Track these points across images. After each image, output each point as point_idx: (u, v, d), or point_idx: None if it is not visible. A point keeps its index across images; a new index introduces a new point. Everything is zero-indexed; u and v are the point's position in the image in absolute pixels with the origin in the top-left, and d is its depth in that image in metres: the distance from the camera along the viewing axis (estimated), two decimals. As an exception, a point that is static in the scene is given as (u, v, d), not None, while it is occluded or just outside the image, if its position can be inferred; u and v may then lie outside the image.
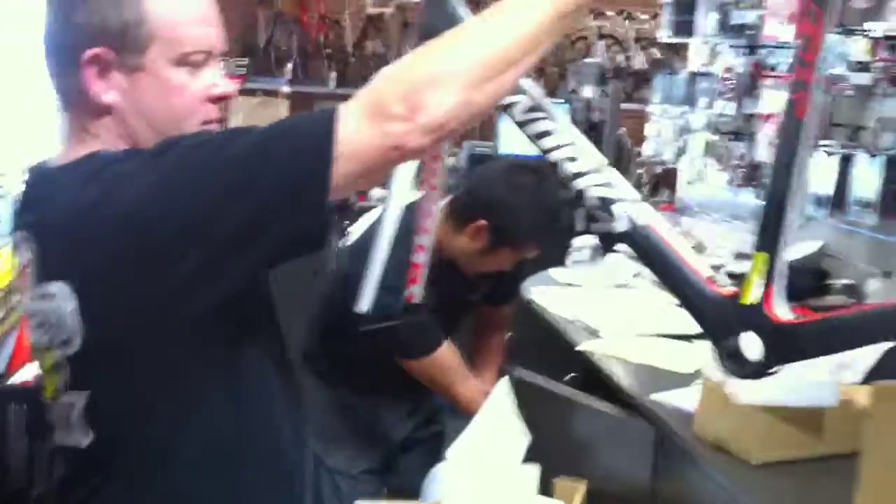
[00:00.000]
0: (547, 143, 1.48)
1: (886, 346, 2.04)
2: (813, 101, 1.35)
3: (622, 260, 3.36)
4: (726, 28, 2.91)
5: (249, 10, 7.33)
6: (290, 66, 6.94)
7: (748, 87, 2.82)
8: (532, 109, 1.48)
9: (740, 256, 2.83)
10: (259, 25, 7.51)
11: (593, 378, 2.48)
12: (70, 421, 1.24)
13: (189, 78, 1.25)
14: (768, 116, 2.67)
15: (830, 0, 1.31)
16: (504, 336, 2.67)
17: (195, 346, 1.21)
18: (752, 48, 2.84)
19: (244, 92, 6.11)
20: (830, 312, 1.54)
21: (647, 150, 3.48)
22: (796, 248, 2.77)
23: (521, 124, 1.47)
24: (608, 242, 3.55)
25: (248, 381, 1.30)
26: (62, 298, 1.18)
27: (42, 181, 1.26)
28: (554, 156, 1.48)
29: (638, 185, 4.39)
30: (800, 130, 1.37)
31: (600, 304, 2.79)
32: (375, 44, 7.50)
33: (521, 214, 2.14)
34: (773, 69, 2.80)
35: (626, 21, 6.11)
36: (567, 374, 2.67)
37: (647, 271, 3.12)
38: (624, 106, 4.35)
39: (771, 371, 1.44)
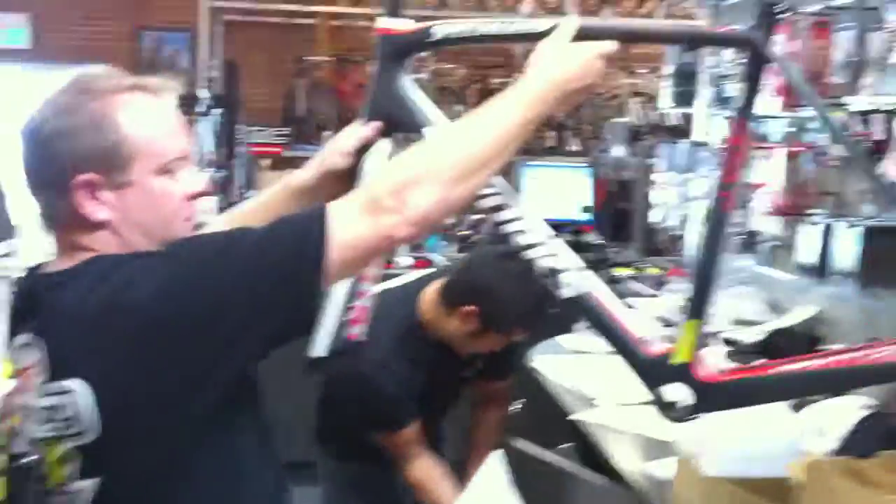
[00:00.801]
0: (498, 217, 1.62)
1: (860, 414, 2.09)
2: (735, 199, 1.60)
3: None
4: (721, 100, 2.99)
5: (288, 80, 7.57)
6: (329, 133, 7.13)
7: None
8: (492, 192, 1.61)
9: (738, 323, 2.88)
10: (298, 95, 7.75)
11: (590, 447, 2.55)
12: None
13: (171, 183, 1.38)
14: (758, 185, 2.74)
15: (753, 116, 1.58)
16: (504, 412, 2.74)
17: (199, 430, 1.34)
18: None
19: (285, 161, 6.30)
20: (747, 372, 1.66)
21: (653, 216, 3.56)
22: (792, 314, 2.82)
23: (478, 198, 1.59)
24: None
25: (241, 456, 1.42)
26: (80, 394, 1.29)
27: (42, 287, 1.37)
28: (506, 228, 1.62)
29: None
30: (724, 222, 1.61)
31: (602, 371, 2.84)
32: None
33: (508, 301, 2.25)
34: (765, 139, 2.87)
35: (657, 79, 6.21)
36: (567, 442, 2.74)
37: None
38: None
39: (696, 418, 1.64)
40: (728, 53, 2.94)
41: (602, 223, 5.69)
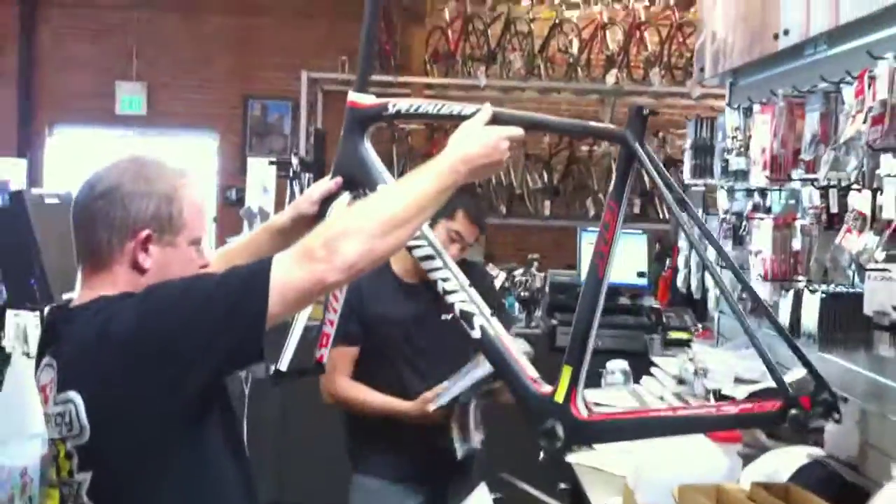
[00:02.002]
0: (426, 265, 1.93)
1: (803, 461, 2.28)
2: (609, 266, 1.89)
3: (652, 383, 3.63)
4: (727, 173, 3.21)
5: (384, 147, 8.03)
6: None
7: (740, 226, 3.11)
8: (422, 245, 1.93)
9: (737, 381, 3.06)
10: (393, 161, 8.19)
11: (578, 488, 2.78)
12: (80, 495, 1.70)
13: (196, 253, 1.78)
14: (757, 252, 2.93)
15: (624, 200, 1.90)
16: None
17: (171, 436, 1.67)
18: (747, 191, 3.13)
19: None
20: (611, 416, 1.90)
21: (678, 281, 3.76)
22: (790, 374, 2.98)
23: (409, 249, 1.91)
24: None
25: (211, 457, 1.73)
26: (76, 403, 1.65)
27: (62, 320, 1.75)
28: (431, 276, 1.93)
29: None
30: (600, 286, 1.91)
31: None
32: (500, 175, 8.07)
33: None
34: (768, 210, 3.07)
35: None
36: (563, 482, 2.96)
37: (668, 395, 3.41)
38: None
39: (569, 451, 1.89)
40: (730, 129, 3.17)
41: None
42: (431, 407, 2.73)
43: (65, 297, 1.99)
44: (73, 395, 1.64)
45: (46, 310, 1.92)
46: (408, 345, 2.97)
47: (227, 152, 8.77)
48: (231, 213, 7.96)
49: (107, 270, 1.73)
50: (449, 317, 2.94)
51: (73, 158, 8.35)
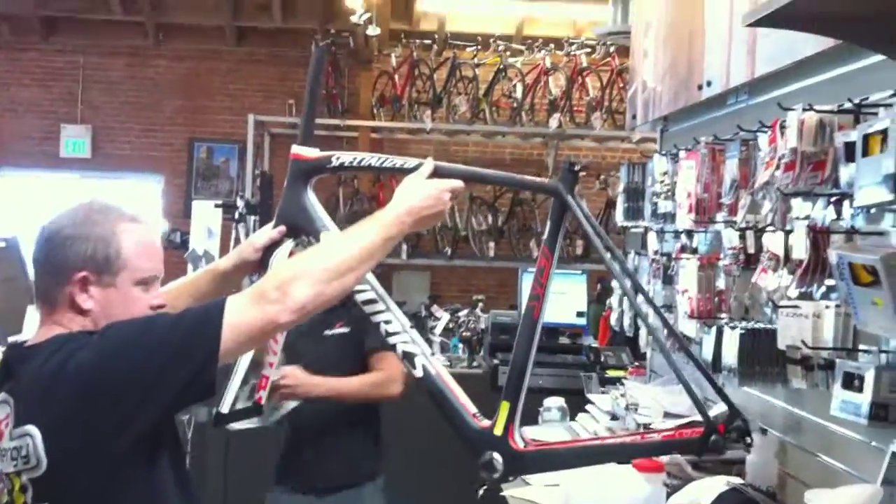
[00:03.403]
0: (370, 308, 2.02)
1: (722, 488, 2.39)
2: (544, 307, 2.01)
3: (587, 419, 3.74)
4: (657, 215, 3.35)
5: (330, 189, 8.11)
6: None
7: (669, 266, 3.24)
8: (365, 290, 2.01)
9: (667, 415, 3.17)
10: (339, 203, 8.27)
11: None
12: None
13: (142, 293, 1.84)
14: (684, 291, 3.06)
15: (557, 249, 2.04)
16: (379, 384, 3.27)
17: (124, 468, 1.74)
18: (675, 233, 3.27)
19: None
20: (544, 446, 2.00)
21: (612, 319, 3.89)
22: (715, 408, 3.11)
23: (354, 293, 1.99)
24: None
25: (162, 489, 1.80)
26: (33, 436, 1.71)
27: (17, 359, 1.82)
28: (375, 318, 2.01)
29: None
30: (535, 327, 2.02)
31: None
32: (445, 217, 8.20)
33: None
34: (694, 251, 3.21)
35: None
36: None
37: (602, 430, 3.51)
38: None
39: (509, 479, 2.02)
40: (658, 174, 3.31)
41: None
42: None
43: (10, 339, 2.04)
44: (31, 428, 1.70)
45: (1, 349, 1.97)
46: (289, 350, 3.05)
47: (172, 195, 8.80)
48: (175, 255, 7.96)
49: (55, 311, 1.81)
50: (332, 332, 3.28)
51: (18, 201, 8.31)
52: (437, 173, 1.98)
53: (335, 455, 3.29)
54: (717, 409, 2.29)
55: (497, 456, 1.95)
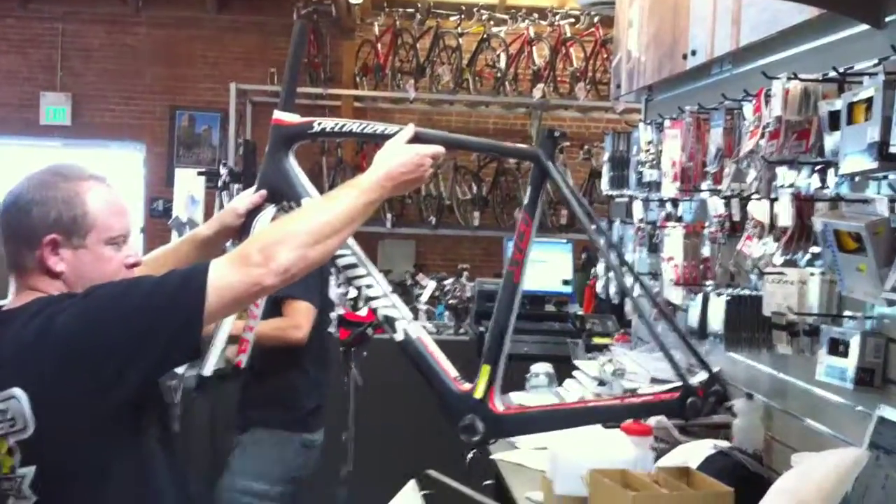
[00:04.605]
0: (351, 273, 2.03)
1: (709, 452, 2.44)
2: (524, 272, 2.04)
3: (574, 385, 3.78)
4: (642, 184, 3.38)
5: (314, 158, 8.09)
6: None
7: (654, 235, 3.28)
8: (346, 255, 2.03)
9: (653, 381, 3.22)
10: (323, 172, 8.26)
11: (503, 483, 2.91)
12: (21, 489, 1.76)
13: (114, 252, 1.84)
14: (670, 258, 3.10)
15: (536, 215, 2.05)
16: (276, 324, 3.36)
17: (112, 430, 1.75)
18: (660, 201, 3.31)
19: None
20: (526, 408, 2.04)
21: (598, 287, 3.93)
22: (698, 376, 3.16)
23: (336, 258, 2.00)
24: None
25: (148, 453, 1.82)
26: (19, 398, 1.72)
27: None
28: (356, 283, 2.04)
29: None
30: (515, 291, 2.04)
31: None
32: (429, 187, 8.21)
33: None
34: (679, 220, 3.24)
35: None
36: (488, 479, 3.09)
37: (588, 395, 3.56)
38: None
39: (490, 442, 2.06)
40: (643, 143, 3.34)
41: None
42: None
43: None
44: (17, 391, 1.71)
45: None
46: None
47: (154, 163, 8.75)
48: (158, 224, 7.96)
49: (28, 277, 1.81)
50: None
51: (-3, 169, 8.25)
52: (417, 139, 1.99)
53: (256, 398, 3.45)
54: (701, 376, 2.34)
55: (477, 418, 1.97)
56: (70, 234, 1.79)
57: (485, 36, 8.20)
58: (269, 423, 3.43)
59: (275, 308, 3.40)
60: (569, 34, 8.21)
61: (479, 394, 1.98)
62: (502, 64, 8.16)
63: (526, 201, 2.07)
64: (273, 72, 8.32)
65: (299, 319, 3.38)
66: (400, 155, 1.94)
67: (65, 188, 1.81)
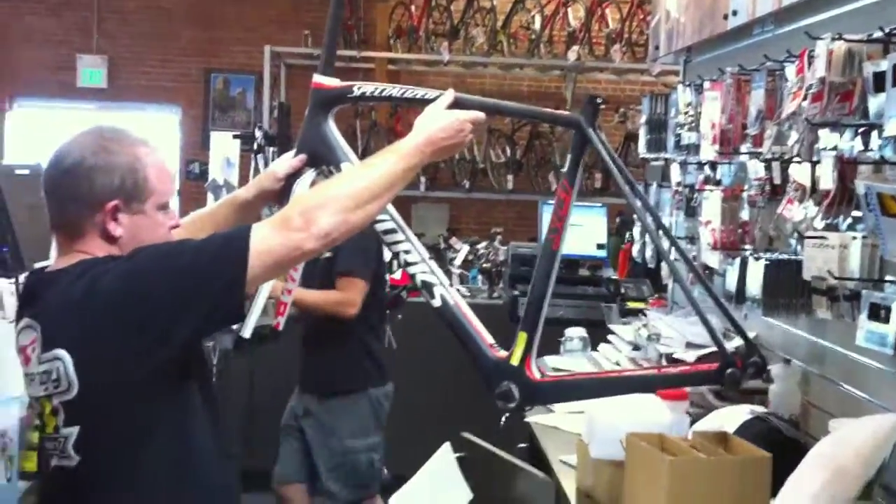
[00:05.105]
0: (389, 238, 2.04)
1: (746, 417, 2.42)
2: (563, 239, 2.03)
3: (608, 349, 3.77)
4: (680, 147, 3.34)
5: (347, 121, 8.08)
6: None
7: (692, 198, 3.25)
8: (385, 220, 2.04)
9: (688, 346, 3.20)
10: (357, 135, 8.25)
11: (536, 446, 2.92)
12: (65, 449, 1.79)
13: (164, 216, 1.87)
14: (707, 222, 3.07)
15: (577, 182, 2.04)
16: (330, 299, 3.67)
17: (155, 391, 1.77)
18: (699, 164, 3.27)
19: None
20: (560, 377, 2.04)
21: (633, 251, 3.91)
22: (734, 341, 3.14)
23: (374, 223, 2.01)
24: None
25: (190, 413, 1.85)
26: (64, 360, 1.74)
27: (41, 284, 1.84)
28: (394, 248, 2.04)
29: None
30: (554, 258, 2.03)
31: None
32: (463, 150, 8.17)
33: None
34: (718, 183, 3.21)
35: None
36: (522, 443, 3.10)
37: (623, 360, 3.54)
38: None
39: (526, 409, 2.05)
40: (682, 106, 3.29)
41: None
42: None
43: (36, 265, 2.06)
44: (61, 352, 1.73)
45: (24, 275, 2.00)
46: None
47: (190, 126, 8.78)
48: (194, 187, 8.00)
49: (80, 239, 1.82)
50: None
51: (35, 131, 8.32)
52: (457, 104, 1.97)
53: (322, 364, 3.78)
54: (738, 341, 2.32)
55: (514, 386, 1.98)
56: (131, 200, 1.82)
57: (519, -3, 8.10)
58: (355, 386, 3.77)
59: (328, 278, 3.64)
60: (605, -5, 8.09)
61: (515, 361, 1.99)
62: (537, 25, 8.06)
63: (566, 168, 2.06)
64: (307, 34, 8.28)
65: (355, 296, 3.67)
66: (440, 120, 1.93)
67: (126, 153, 1.82)
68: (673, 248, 2.67)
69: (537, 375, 2.00)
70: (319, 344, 3.79)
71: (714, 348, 2.90)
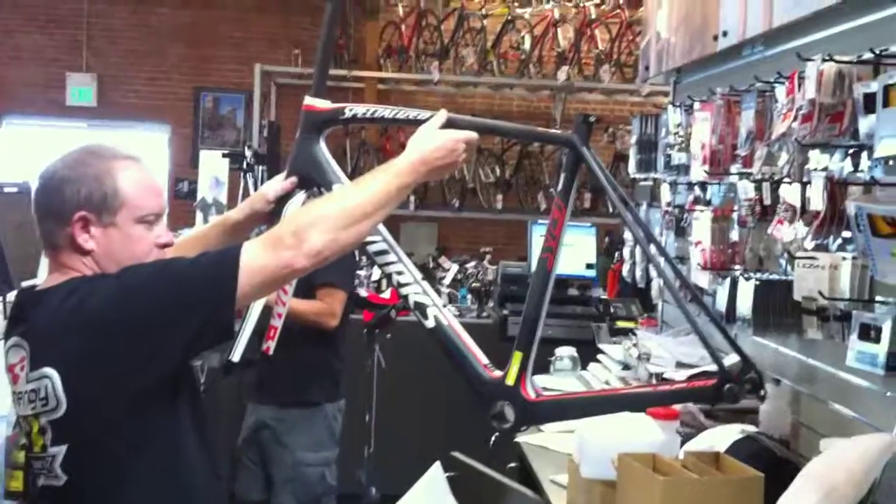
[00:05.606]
0: (381, 259, 2.02)
1: (736, 436, 2.42)
2: (557, 259, 2.03)
3: (598, 369, 3.77)
4: (670, 167, 3.35)
5: (337, 140, 8.08)
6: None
7: (682, 218, 3.25)
8: (377, 241, 2.02)
9: (679, 365, 3.20)
10: (347, 154, 8.25)
11: (527, 466, 2.90)
12: (52, 468, 1.78)
13: (145, 232, 1.84)
14: (697, 243, 3.07)
15: (570, 201, 2.04)
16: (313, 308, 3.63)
17: (144, 408, 1.76)
18: (688, 184, 3.28)
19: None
20: (555, 396, 2.02)
21: (624, 271, 3.91)
22: (727, 359, 3.14)
23: (366, 244, 2.00)
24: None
25: (180, 432, 1.83)
26: (52, 378, 1.73)
27: (30, 302, 1.83)
28: (386, 269, 2.02)
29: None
30: (548, 279, 2.02)
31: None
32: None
33: None
34: (707, 203, 3.21)
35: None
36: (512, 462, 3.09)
37: (613, 379, 3.54)
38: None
39: (522, 429, 2.02)
40: (672, 126, 3.31)
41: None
42: None
43: (24, 284, 2.05)
44: (49, 370, 1.72)
45: (14, 293, 1.98)
46: None
47: (179, 145, 8.77)
48: (182, 205, 7.98)
49: (60, 254, 1.82)
50: None
51: (24, 149, 8.29)
52: (450, 124, 1.97)
53: (285, 374, 3.69)
54: (730, 359, 2.32)
55: (509, 406, 1.97)
56: (100, 212, 1.80)
57: (509, 17, 8.14)
58: (314, 399, 3.76)
59: (308, 291, 3.58)
60: (594, 16, 8.13)
61: (510, 380, 1.97)
62: (527, 46, 8.10)
63: (560, 187, 2.05)
64: (297, 53, 8.30)
65: (336, 307, 3.67)
66: (435, 139, 1.93)
67: (96, 166, 1.81)
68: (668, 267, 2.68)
69: (532, 395, 1.99)
70: (285, 354, 3.66)
71: (705, 367, 2.92)
